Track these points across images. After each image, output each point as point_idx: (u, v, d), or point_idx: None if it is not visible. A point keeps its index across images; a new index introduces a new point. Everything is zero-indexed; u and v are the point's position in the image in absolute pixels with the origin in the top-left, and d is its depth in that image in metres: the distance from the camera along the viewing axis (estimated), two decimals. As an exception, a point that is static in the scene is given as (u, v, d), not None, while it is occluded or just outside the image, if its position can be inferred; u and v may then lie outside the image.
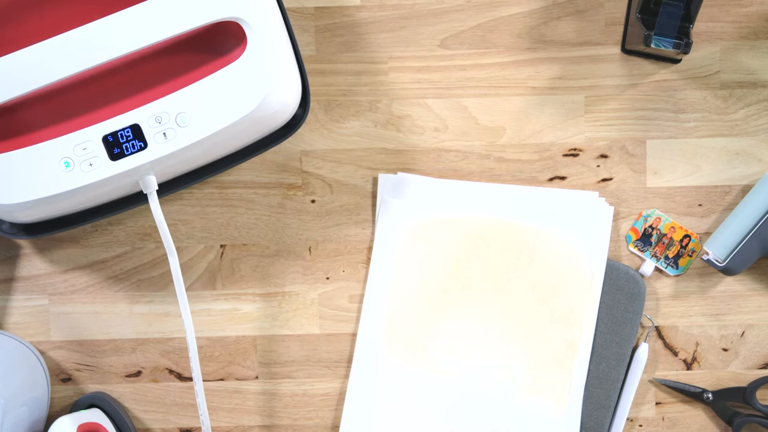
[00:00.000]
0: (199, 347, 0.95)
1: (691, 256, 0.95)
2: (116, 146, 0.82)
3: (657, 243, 0.95)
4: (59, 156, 0.82)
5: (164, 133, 0.82)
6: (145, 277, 0.95)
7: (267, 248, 0.95)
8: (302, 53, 0.94)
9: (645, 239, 0.95)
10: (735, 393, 0.94)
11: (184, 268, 0.95)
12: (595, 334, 0.94)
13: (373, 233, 0.95)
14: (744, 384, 0.95)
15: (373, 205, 0.95)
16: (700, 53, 0.94)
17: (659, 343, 0.95)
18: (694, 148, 0.95)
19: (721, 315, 0.95)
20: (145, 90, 0.85)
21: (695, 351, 0.95)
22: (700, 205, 0.95)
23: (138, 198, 0.88)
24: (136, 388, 0.96)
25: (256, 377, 0.96)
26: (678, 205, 0.95)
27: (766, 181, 0.92)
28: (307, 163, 0.95)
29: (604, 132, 0.95)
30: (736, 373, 0.96)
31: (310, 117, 0.95)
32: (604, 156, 0.95)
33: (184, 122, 0.82)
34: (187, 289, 0.95)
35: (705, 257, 0.92)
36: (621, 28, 0.94)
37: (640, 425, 0.96)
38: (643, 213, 0.95)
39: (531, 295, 0.94)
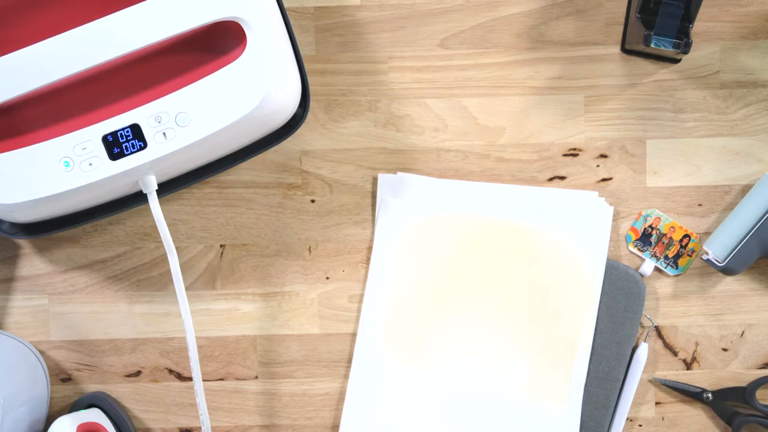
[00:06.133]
0: (199, 347, 0.95)
1: (690, 255, 0.95)
2: (116, 146, 0.82)
3: (657, 243, 0.95)
4: (59, 156, 0.82)
5: (164, 133, 0.82)
6: (144, 276, 0.95)
7: (267, 248, 0.95)
8: (302, 53, 0.94)
9: (645, 239, 0.95)
10: (735, 393, 0.94)
11: (184, 267, 0.95)
12: (595, 334, 0.94)
13: (372, 233, 0.95)
14: (744, 384, 0.95)
15: (373, 205, 0.95)
16: (699, 53, 0.94)
17: (659, 343, 0.95)
18: (693, 148, 0.95)
19: (721, 315, 0.95)
20: (145, 90, 0.85)
21: (695, 351, 0.95)
22: (699, 204, 0.95)
23: (138, 198, 0.88)
24: (135, 387, 0.96)
25: (256, 377, 0.96)
26: (678, 205, 0.95)
27: (766, 180, 0.92)
28: (306, 162, 0.95)
29: (604, 132, 0.95)
30: (735, 372, 0.96)
31: (309, 117, 0.95)
32: (603, 156, 0.95)
33: (184, 122, 0.82)
34: (186, 289, 0.95)
35: (705, 257, 0.92)
36: (621, 28, 0.94)
37: (640, 425, 0.96)
38: (643, 213, 0.95)
39: (531, 295, 0.94)
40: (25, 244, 0.95)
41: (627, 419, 0.96)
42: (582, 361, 0.94)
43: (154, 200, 0.84)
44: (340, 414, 0.96)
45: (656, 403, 0.96)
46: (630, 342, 0.94)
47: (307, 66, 0.94)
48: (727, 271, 0.92)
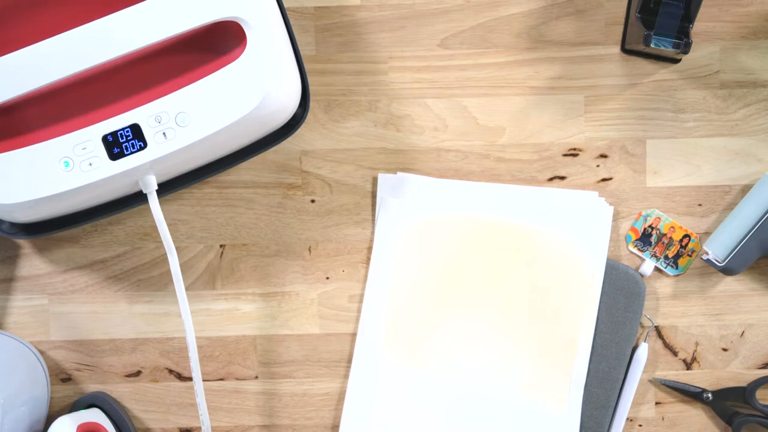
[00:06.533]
0: (199, 347, 0.95)
1: (690, 255, 0.95)
2: (116, 146, 0.82)
3: (657, 243, 0.95)
4: (59, 156, 0.82)
5: (164, 133, 0.82)
6: (144, 276, 0.95)
7: (267, 248, 0.95)
8: (302, 53, 0.94)
9: (645, 239, 0.95)
10: (735, 393, 0.94)
11: (184, 267, 0.95)
12: (595, 334, 0.94)
13: (372, 233, 0.95)
14: (744, 384, 0.95)
15: (373, 205, 0.95)
16: (699, 53, 0.94)
17: (659, 343, 0.95)
18: (693, 148, 0.95)
19: (721, 315, 0.95)
20: (145, 90, 0.85)
21: (695, 351, 0.95)
22: (699, 204, 0.95)
23: (138, 198, 0.88)
24: (136, 388, 0.96)
25: (256, 377, 0.96)
26: (678, 205, 0.95)
27: (765, 180, 0.92)
28: (306, 162, 0.95)
29: (604, 132, 0.95)
30: (735, 372, 0.96)
31: (309, 117, 0.95)
32: (603, 156, 0.95)
33: (184, 122, 0.82)
34: (186, 289, 0.95)
35: (705, 257, 0.92)
36: (621, 28, 0.94)
37: (640, 425, 0.96)
38: (643, 213, 0.95)
39: (531, 295, 0.94)
40: (25, 244, 0.95)
41: (627, 419, 0.96)
42: (582, 361, 0.94)
43: (154, 200, 0.84)
44: (340, 414, 0.96)
45: (656, 403, 0.96)
46: (630, 342, 0.94)
47: (307, 66, 0.94)
48: (727, 271, 0.92)
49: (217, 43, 0.85)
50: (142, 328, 0.95)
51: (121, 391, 0.96)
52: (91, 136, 0.82)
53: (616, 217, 0.95)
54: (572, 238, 0.94)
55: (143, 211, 0.95)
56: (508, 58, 0.94)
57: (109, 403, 0.93)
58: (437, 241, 0.94)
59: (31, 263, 0.95)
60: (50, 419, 0.95)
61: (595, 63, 0.94)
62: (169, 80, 0.85)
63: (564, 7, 0.94)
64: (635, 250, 0.95)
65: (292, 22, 0.94)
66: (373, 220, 0.95)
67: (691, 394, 0.95)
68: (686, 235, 0.95)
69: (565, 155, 0.95)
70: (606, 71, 0.94)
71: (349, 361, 0.95)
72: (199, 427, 0.96)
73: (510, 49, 0.94)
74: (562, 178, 0.95)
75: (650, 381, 0.96)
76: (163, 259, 0.95)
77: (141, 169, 0.83)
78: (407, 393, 0.94)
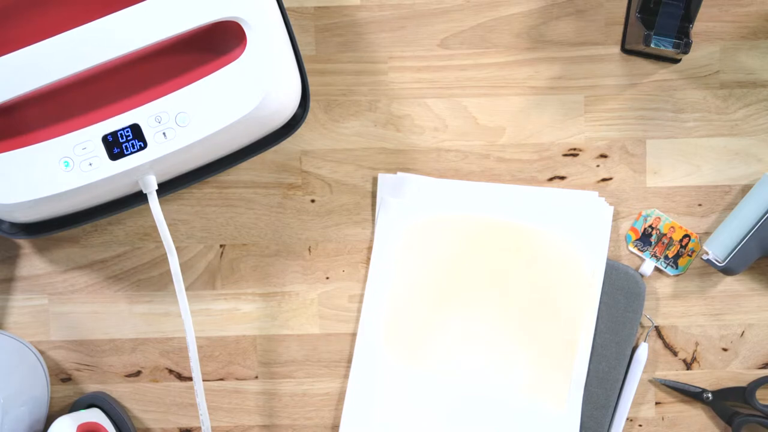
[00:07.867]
0: (199, 347, 0.95)
1: (690, 255, 0.95)
2: (116, 146, 0.82)
3: (657, 243, 0.95)
4: (59, 156, 0.82)
5: (164, 133, 0.82)
6: (144, 276, 0.95)
7: (267, 248, 0.95)
8: (302, 53, 0.94)
9: (645, 239, 0.95)
10: (735, 393, 0.94)
11: (184, 267, 0.95)
12: (595, 334, 0.94)
13: (372, 233, 0.95)
14: (744, 384, 0.95)
15: (373, 205, 0.95)
16: (699, 53, 0.94)
17: (659, 343, 0.95)
18: (693, 148, 0.95)
19: (721, 315, 0.95)
20: (145, 90, 0.85)
21: (695, 351, 0.95)
22: (699, 204, 0.95)
23: (138, 198, 0.88)
24: (135, 388, 0.96)
25: (256, 377, 0.96)
26: (678, 205, 0.95)
27: (766, 180, 0.92)
28: (306, 162, 0.95)
29: (604, 132, 0.95)
30: (735, 372, 0.96)
31: (309, 117, 0.95)
32: (603, 156, 0.95)
33: (184, 122, 0.82)
34: (186, 289, 0.95)
35: (705, 257, 0.92)
36: (621, 28, 0.94)
37: (640, 425, 0.96)
38: (643, 213, 0.95)
39: (531, 295, 0.94)
40: (25, 244, 0.95)
41: (627, 419, 0.96)
42: (582, 361, 0.94)
43: (154, 200, 0.84)
44: (340, 414, 0.96)
45: (656, 403, 0.96)
46: (630, 342, 0.94)
47: (307, 66, 0.94)
48: (727, 271, 0.92)
49: (217, 43, 0.85)
50: (142, 328, 0.95)
51: (121, 391, 0.96)
52: (91, 136, 0.82)
53: (616, 217, 0.95)
54: (572, 238, 0.94)
55: (143, 211, 0.95)
56: (508, 58, 0.94)
57: (109, 403, 0.93)
58: (437, 241, 0.94)
59: (31, 263, 0.95)
60: (50, 419, 0.95)
61: (595, 63, 0.94)
62: (169, 80, 0.85)
63: (564, 7, 0.94)
64: (635, 250, 0.95)
65: (292, 22, 0.94)
66: (373, 220, 0.95)
67: (691, 394, 0.95)
68: (686, 235, 0.95)
69: (565, 155, 0.95)
70: (606, 71, 0.94)
71: (349, 361, 0.95)
72: (199, 427, 0.96)
73: (510, 49, 0.94)
74: (562, 178, 0.95)
75: (650, 381, 0.96)
76: (163, 259, 0.95)
77: (141, 169, 0.83)
78: (407, 393, 0.94)
